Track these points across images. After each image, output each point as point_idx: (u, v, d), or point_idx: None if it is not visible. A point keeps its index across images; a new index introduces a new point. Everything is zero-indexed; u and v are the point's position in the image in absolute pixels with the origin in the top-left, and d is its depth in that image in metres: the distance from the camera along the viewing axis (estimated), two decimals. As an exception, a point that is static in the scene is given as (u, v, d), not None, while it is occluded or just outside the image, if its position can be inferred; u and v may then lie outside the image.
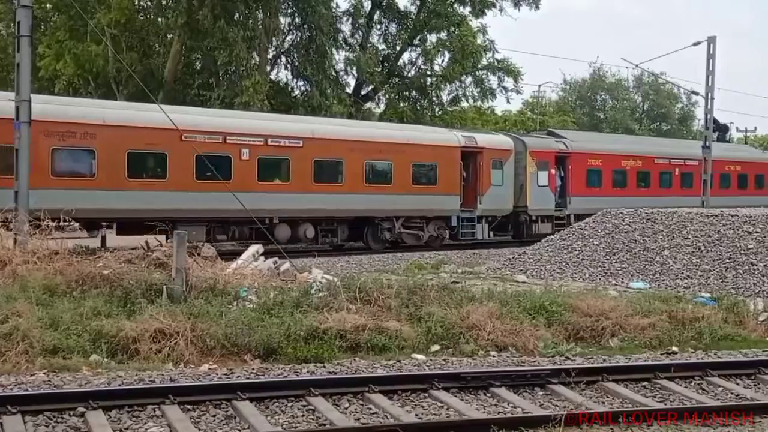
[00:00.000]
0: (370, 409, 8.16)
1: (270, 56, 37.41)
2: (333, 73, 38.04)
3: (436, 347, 10.94)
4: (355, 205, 24.79)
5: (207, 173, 21.05)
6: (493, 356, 10.69)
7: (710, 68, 30.90)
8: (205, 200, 21.66)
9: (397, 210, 25.97)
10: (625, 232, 19.46)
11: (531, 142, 30.63)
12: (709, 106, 31.60)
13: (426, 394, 8.64)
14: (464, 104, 46.60)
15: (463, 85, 43.09)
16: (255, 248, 16.11)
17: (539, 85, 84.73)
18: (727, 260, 17.01)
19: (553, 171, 30.45)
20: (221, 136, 22.30)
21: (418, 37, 41.83)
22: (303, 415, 7.90)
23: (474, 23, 41.96)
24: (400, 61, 42.91)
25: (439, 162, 26.88)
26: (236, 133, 22.57)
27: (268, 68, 37.22)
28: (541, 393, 8.93)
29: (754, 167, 39.59)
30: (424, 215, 26.79)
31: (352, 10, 39.96)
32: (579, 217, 30.29)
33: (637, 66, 46.93)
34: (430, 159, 26.75)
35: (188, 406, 7.91)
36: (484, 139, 29.07)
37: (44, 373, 9.00)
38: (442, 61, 42.14)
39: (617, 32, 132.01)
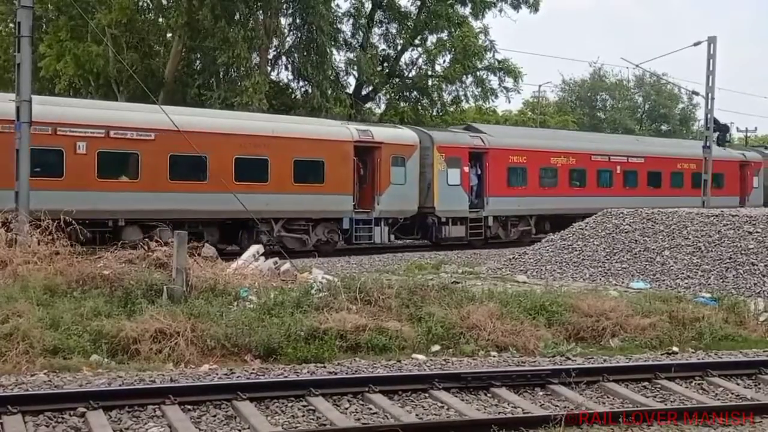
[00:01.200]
0: (371, 409, 8.17)
1: (270, 56, 37.43)
2: (333, 74, 38.04)
3: (436, 347, 10.94)
4: (223, 206, 21.60)
5: (34, 169, 18.55)
6: (494, 356, 10.69)
7: (710, 68, 30.89)
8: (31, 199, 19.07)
9: (275, 211, 23.20)
10: (626, 232, 19.46)
11: (439, 136, 27.80)
12: (709, 107, 31.59)
13: (426, 395, 8.64)
14: (465, 105, 46.68)
15: (463, 86, 43.13)
16: (255, 248, 16.14)
17: (539, 86, 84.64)
18: (728, 260, 17.01)
19: (466, 168, 27.72)
20: (50, 126, 19.57)
21: (419, 38, 41.85)
22: (303, 415, 7.90)
23: (476, 24, 42.05)
24: (401, 61, 42.95)
25: (327, 158, 24.20)
26: (69, 124, 19.87)
27: (269, 68, 37.24)
28: (541, 393, 8.93)
29: (712, 165, 36.83)
30: (310, 217, 24.08)
31: (352, 11, 39.97)
32: (498, 219, 28.76)
33: (637, 66, 46.80)
34: (315, 154, 24.03)
35: (189, 407, 7.91)
36: (382, 132, 26.39)
37: (45, 374, 9.01)
38: (444, 61, 42.20)
39: (617, 32, 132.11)
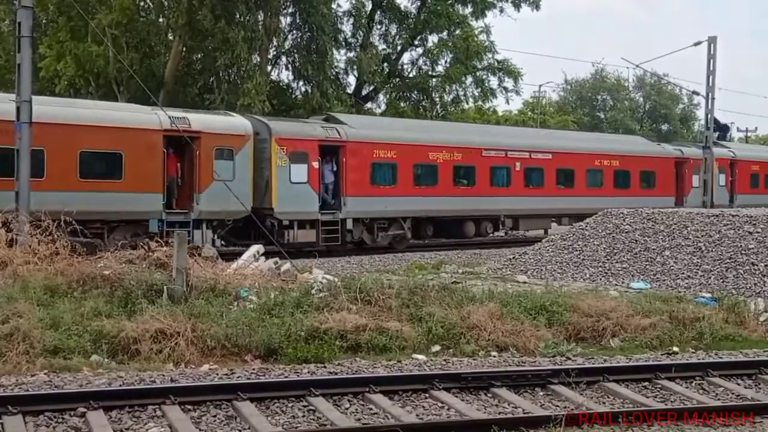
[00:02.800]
0: (371, 409, 8.17)
1: (270, 56, 37.43)
2: (334, 74, 38.04)
3: (436, 347, 10.94)
4: None
5: None
6: (494, 356, 10.69)
7: (711, 68, 30.91)
8: None
9: (55, 212, 19.94)
10: (626, 232, 19.45)
11: (279, 127, 23.85)
12: (709, 106, 31.61)
13: (427, 395, 8.64)
14: (465, 105, 46.69)
15: (463, 86, 43.15)
16: (256, 248, 16.15)
17: (540, 86, 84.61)
18: (728, 260, 17.00)
19: (315, 164, 23.80)
20: None
21: (419, 38, 41.90)
22: (303, 416, 7.91)
23: (479, 24, 42.10)
24: (401, 61, 43.02)
25: (127, 149, 20.64)
26: None
27: (269, 68, 37.24)
28: (541, 393, 8.93)
29: (641, 162, 32.49)
30: (104, 219, 20.39)
31: (352, 11, 39.99)
32: (361, 222, 25.14)
33: (637, 66, 46.52)
34: (110, 145, 20.40)
35: (189, 407, 7.91)
36: (202, 120, 22.63)
37: (45, 374, 9.01)
38: (446, 62, 42.23)
39: (617, 33, 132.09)
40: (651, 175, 32.90)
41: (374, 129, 26.37)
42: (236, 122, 23.56)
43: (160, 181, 21.40)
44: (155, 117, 21.58)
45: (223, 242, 23.29)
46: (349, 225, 24.70)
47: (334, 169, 24.78)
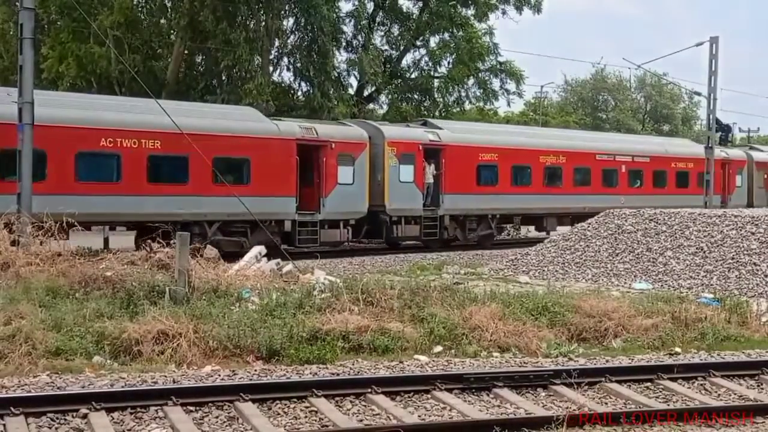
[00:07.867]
0: (373, 410, 8.17)
1: (272, 57, 37.44)
2: (335, 74, 38.04)
3: (438, 348, 10.94)
4: None
5: None
6: (496, 357, 10.70)
7: (713, 68, 30.85)
8: None
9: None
10: (628, 233, 19.45)
11: None
12: (711, 107, 31.55)
13: (429, 396, 8.64)
14: (468, 105, 46.68)
15: (465, 87, 43.14)
16: (258, 249, 16.15)
17: (541, 86, 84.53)
18: (730, 261, 16.99)
19: None
20: None
21: (420, 39, 41.89)
22: (305, 417, 7.91)
23: (482, 26, 42.09)
24: (403, 62, 43.02)
25: None
26: None
27: (271, 69, 37.26)
28: (543, 394, 8.93)
29: (213, 145, 21.14)
30: None
31: (354, 12, 39.98)
32: None
33: (639, 66, 46.33)
34: None
35: (191, 408, 7.92)
36: None
37: (47, 375, 9.01)
38: (448, 63, 42.23)
39: (618, 34, 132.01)
40: (240, 164, 22.48)
41: None
42: None
43: None
44: None
45: None
46: None
47: None
